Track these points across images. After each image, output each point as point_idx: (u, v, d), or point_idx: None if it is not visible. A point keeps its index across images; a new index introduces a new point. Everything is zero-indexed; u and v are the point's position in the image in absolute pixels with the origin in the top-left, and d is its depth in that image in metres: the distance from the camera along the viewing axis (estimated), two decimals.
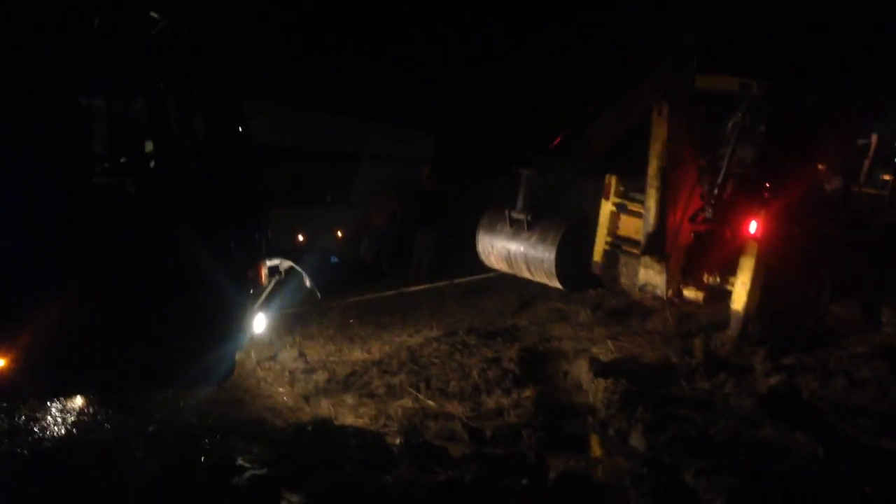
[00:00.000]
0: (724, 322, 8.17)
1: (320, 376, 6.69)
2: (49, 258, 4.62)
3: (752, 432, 5.48)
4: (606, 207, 9.34)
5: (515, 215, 6.59)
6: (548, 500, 4.54)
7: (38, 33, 4.68)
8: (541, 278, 6.68)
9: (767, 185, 8.36)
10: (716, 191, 8.18)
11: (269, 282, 6.14)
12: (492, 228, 6.87)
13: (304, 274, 6.94)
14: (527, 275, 6.81)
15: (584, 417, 6.06)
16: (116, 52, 5.00)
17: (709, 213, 8.15)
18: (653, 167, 7.94)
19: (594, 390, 6.39)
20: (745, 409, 6.02)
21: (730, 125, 8.64)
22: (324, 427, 5.23)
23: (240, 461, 4.58)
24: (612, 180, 9.30)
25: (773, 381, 6.67)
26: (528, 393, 6.33)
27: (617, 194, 9.28)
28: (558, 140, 6.69)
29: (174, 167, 5.20)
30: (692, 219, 8.15)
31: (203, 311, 5.19)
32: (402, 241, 12.61)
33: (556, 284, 6.61)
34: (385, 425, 5.63)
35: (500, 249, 6.82)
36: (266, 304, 6.38)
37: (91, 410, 5.39)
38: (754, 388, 6.60)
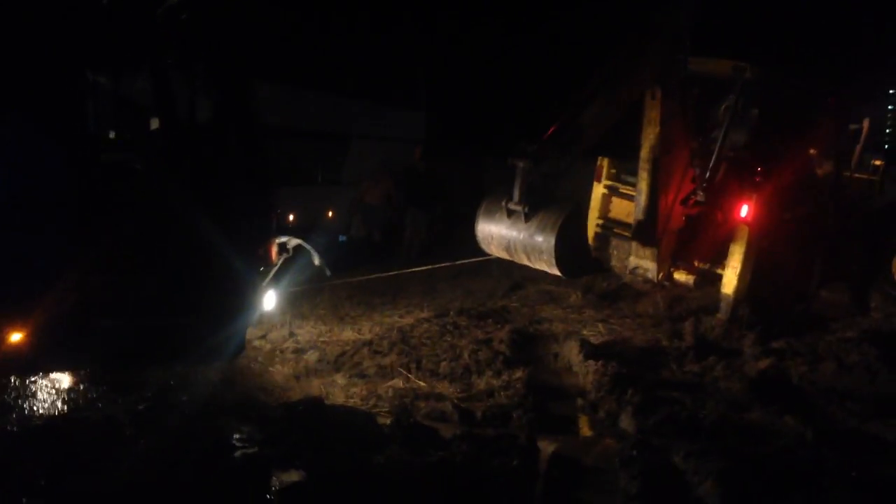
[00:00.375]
0: (714, 306, 8.20)
1: (311, 356, 6.69)
2: (60, 235, 4.67)
3: (741, 415, 5.51)
4: (598, 190, 9.33)
5: (513, 207, 6.57)
6: (538, 482, 4.57)
7: (45, 9, 4.68)
8: (541, 266, 6.69)
9: (759, 169, 8.36)
10: (707, 174, 8.18)
11: (279, 259, 6.19)
12: (490, 218, 6.84)
13: (312, 251, 6.97)
14: (527, 263, 6.82)
15: (574, 399, 6.08)
16: (124, 29, 5.00)
17: (700, 196, 8.16)
18: (645, 150, 7.94)
19: (584, 372, 6.40)
20: (735, 392, 6.05)
21: (722, 108, 8.62)
22: (315, 407, 5.23)
23: (231, 441, 4.58)
24: (605, 163, 9.29)
25: (762, 364, 6.70)
26: (518, 374, 6.34)
27: (609, 177, 9.28)
28: (552, 129, 6.69)
29: (180, 145, 5.23)
30: (684, 202, 8.15)
31: (214, 288, 5.27)
32: (396, 221, 12.60)
33: (557, 272, 6.62)
34: (376, 406, 5.63)
35: (500, 240, 6.81)
36: (275, 281, 6.41)
37: (81, 388, 5.37)
38: (744, 371, 6.63)
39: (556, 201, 6.57)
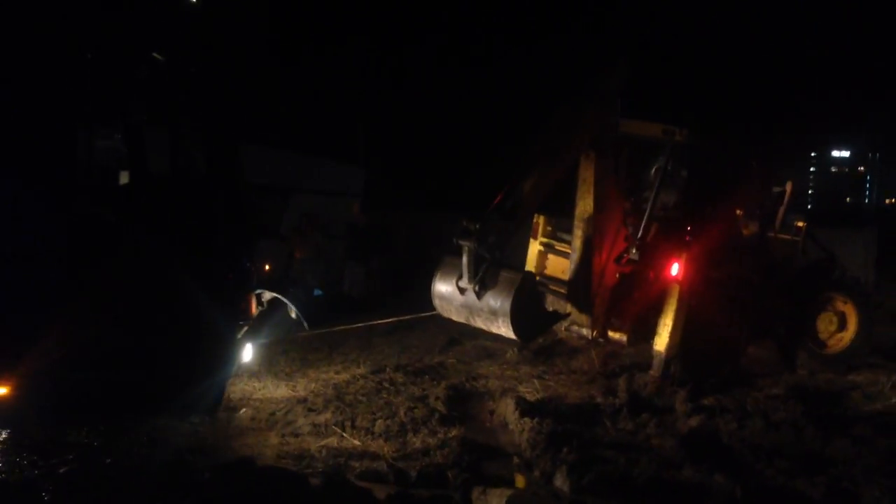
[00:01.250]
0: (647, 362, 8.32)
1: (244, 414, 6.55)
2: (42, 287, 4.77)
3: (673, 473, 5.57)
4: (534, 247, 9.47)
5: (463, 286, 6.75)
6: None
7: (38, 62, 4.82)
8: (500, 332, 6.86)
9: (689, 228, 8.60)
10: (640, 233, 8.38)
11: (256, 312, 6.29)
12: (444, 294, 7.04)
13: (289, 304, 7.11)
14: (484, 329, 7.02)
15: (510, 457, 6.06)
16: (103, 85, 5.08)
17: (634, 254, 8.34)
18: (579, 209, 8.11)
19: (520, 430, 6.41)
20: (667, 449, 6.12)
21: (653, 170, 8.89)
22: (245, 469, 5.09)
23: None
24: (541, 220, 9.46)
25: (693, 422, 6.81)
26: (454, 432, 6.32)
27: (545, 234, 9.44)
28: (496, 201, 6.94)
29: (154, 198, 5.36)
30: (617, 260, 8.32)
31: (196, 341, 5.39)
32: (332, 272, 12.52)
33: (515, 338, 6.88)
34: (309, 466, 5.52)
35: (457, 311, 7.04)
36: (253, 334, 6.55)
37: (8, 448, 5.14)
38: (676, 428, 6.72)
39: (506, 271, 6.74)
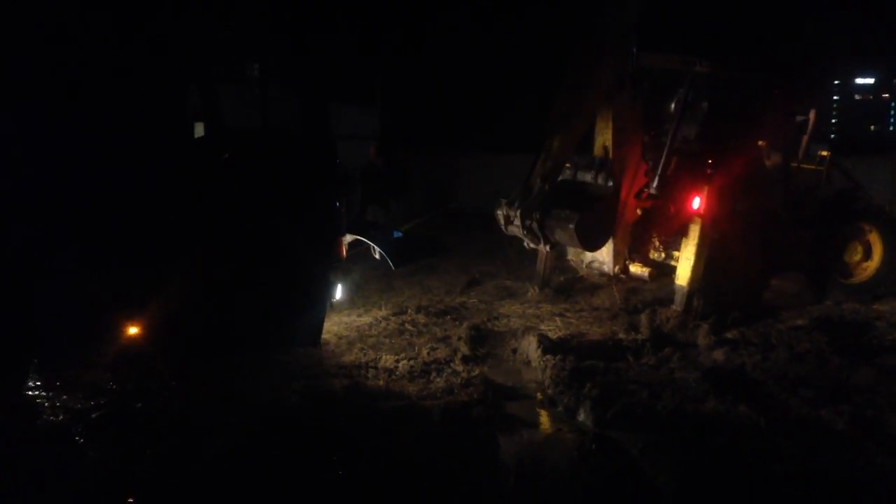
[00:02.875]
0: (669, 298, 8.30)
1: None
2: (166, 231, 5.24)
3: (697, 406, 5.58)
4: None
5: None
6: (498, 479, 4.57)
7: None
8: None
9: (710, 161, 8.48)
10: (660, 168, 8.27)
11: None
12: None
13: (373, 246, 7.59)
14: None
15: (533, 395, 6.10)
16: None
17: (653, 189, 8.25)
18: (598, 145, 8.00)
19: (542, 367, 6.43)
20: (690, 383, 6.12)
21: (673, 103, 8.72)
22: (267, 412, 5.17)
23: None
24: None
25: (716, 355, 6.80)
26: (477, 371, 6.35)
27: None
28: (533, 168, 7.60)
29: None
30: (637, 195, 8.23)
31: (298, 280, 6.00)
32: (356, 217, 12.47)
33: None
34: (333, 407, 5.56)
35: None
36: (344, 274, 7.30)
37: (31, 395, 5.24)
38: (699, 362, 6.72)
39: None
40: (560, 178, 9.14)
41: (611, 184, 7.77)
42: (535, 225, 7.49)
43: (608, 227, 7.83)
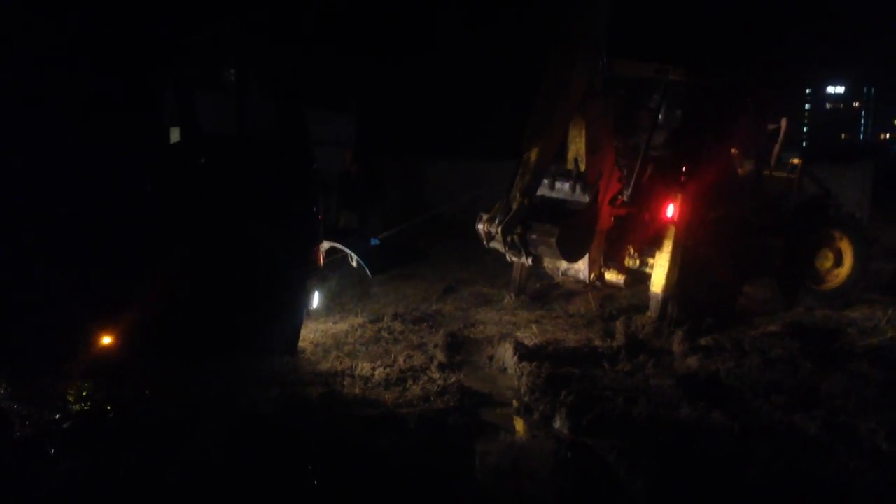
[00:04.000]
0: (644, 304, 8.37)
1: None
2: (140, 238, 5.18)
3: (672, 412, 5.61)
4: None
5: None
6: (474, 486, 4.57)
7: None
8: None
9: (684, 169, 8.56)
10: (634, 175, 8.33)
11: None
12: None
13: (350, 253, 7.52)
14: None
15: (510, 402, 6.10)
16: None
17: (627, 196, 8.31)
18: (571, 153, 8.04)
19: (518, 374, 6.45)
20: (665, 389, 6.16)
21: (647, 110, 8.80)
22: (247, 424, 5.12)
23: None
24: None
25: (690, 361, 6.86)
26: (453, 379, 6.35)
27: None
28: (514, 182, 7.67)
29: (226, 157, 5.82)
30: (612, 202, 8.28)
31: (275, 288, 5.97)
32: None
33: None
34: (309, 415, 5.53)
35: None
36: (320, 282, 7.24)
37: (4, 406, 5.16)
38: (673, 368, 6.77)
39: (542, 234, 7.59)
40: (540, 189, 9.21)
41: (587, 196, 7.81)
42: (516, 239, 7.55)
43: (588, 238, 7.88)
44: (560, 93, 7.58)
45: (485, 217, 7.80)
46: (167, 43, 5.36)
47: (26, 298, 4.71)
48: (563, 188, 8.12)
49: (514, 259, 8.15)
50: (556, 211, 7.87)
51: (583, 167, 7.95)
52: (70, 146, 4.94)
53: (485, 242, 7.89)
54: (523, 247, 7.63)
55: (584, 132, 7.82)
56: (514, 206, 7.49)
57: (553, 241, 7.39)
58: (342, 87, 18.18)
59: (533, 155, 7.58)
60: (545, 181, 8.09)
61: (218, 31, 5.94)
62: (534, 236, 7.56)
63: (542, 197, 8.09)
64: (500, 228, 7.51)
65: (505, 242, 7.64)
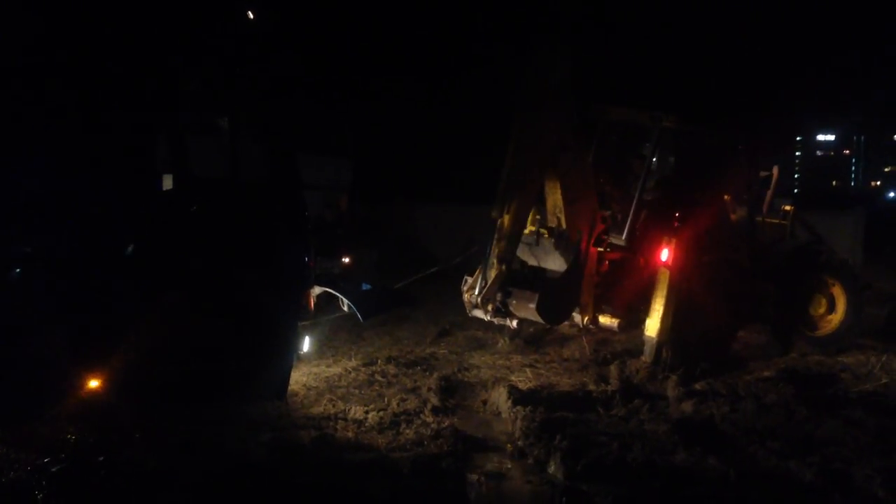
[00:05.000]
0: (638, 349, 8.34)
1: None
2: (129, 285, 5.05)
3: (667, 458, 5.57)
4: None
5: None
6: None
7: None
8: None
9: (677, 214, 8.61)
10: (629, 220, 8.37)
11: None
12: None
13: (341, 298, 7.53)
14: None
15: (504, 446, 6.05)
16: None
17: (622, 241, 8.34)
18: (549, 204, 8.04)
19: (513, 418, 6.40)
20: (660, 435, 6.12)
21: (641, 156, 8.88)
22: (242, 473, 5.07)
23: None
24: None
25: (685, 406, 6.83)
26: (447, 423, 6.30)
27: (533, 223, 9.39)
28: (492, 244, 7.53)
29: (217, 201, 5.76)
30: (597, 244, 8.27)
31: (265, 334, 5.86)
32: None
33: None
34: (302, 460, 5.48)
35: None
36: (311, 326, 7.21)
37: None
38: (668, 413, 6.74)
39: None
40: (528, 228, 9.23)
41: (569, 256, 7.82)
42: (498, 307, 7.59)
43: (571, 301, 7.89)
44: (529, 154, 7.50)
45: (468, 283, 7.84)
46: (160, 90, 5.36)
47: (14, 341, 4.66)
48: (545, 247, 8.14)
49: (500, 323, 8.08)
50: (536, 276, 7.93)
51: (563, 220, 7.94)
52: (62, 191, 4.91)
53: (468, 311, 7.96)
54: (506, 311, 7.65)
55: (558, 186, 7.81)
56: (493, 274, 7.48)
57: (533, 307, 7.43)
58: (339, 132, 18.34)
59: (506, 221, 7.48)
60: (526, 239, 8.08)
61: (210, 80, 5.98)
62: (514, 302, 7.58)
63: (522, 261, 8.10)
64: (479, 299, 7.56)
65: (485, 311, 7.68)
